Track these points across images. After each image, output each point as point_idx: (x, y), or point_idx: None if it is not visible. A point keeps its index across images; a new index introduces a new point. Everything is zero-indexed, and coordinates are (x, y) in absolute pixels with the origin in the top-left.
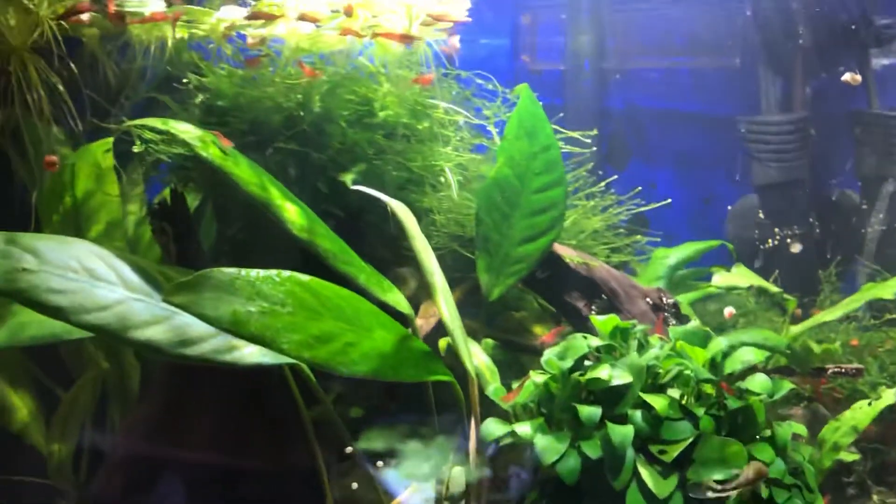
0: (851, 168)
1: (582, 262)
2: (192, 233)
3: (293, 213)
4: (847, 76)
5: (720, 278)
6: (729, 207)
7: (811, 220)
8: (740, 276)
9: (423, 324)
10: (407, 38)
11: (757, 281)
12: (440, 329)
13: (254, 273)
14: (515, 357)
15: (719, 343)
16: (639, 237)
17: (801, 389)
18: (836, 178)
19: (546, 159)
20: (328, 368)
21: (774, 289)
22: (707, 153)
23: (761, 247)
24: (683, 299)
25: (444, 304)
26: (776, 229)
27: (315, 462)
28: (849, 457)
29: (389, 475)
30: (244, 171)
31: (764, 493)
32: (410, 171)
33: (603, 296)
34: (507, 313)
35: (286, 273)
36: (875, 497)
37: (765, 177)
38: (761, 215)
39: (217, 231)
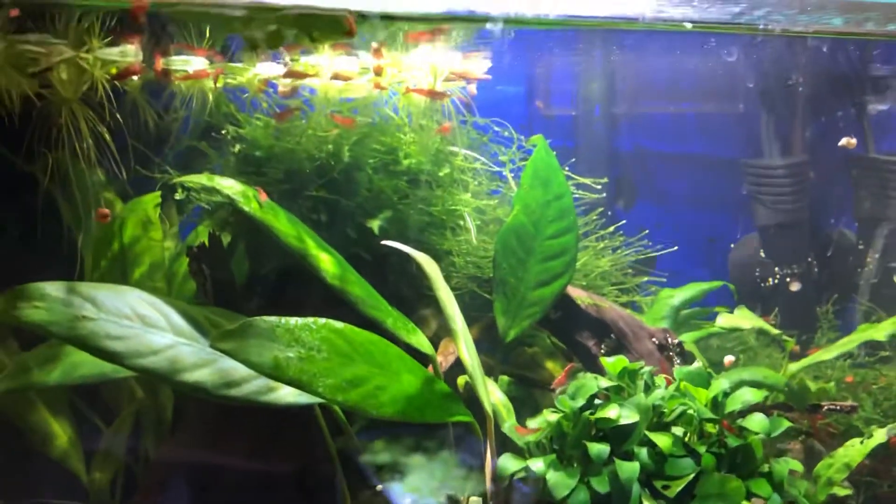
0: (851, 210)
1: (592, 303)
2: (228, 274)
3: (327, 262)
4: (843, 141)
5: (724, 320)
6: (732, 246)
7: (810, 259)
8: (743, 318)
9: (442, 360)
10: (436, 95)
11: (758, 323)
12: (458, 364)
13: (293, 321)
14: (529, 392)
15: (721, 384)
16: (645, 277)
17: (798, 425)
18: (834, 219)
19: (559, 207)
20: (359, 410)
21: (774, 331)
22: (711, 194)
23: (762, 285)
24: (688, 338)
25: (465, 348)
26: (776, 268)
27: (338, 492)
28: (842, 491)
29: None
30: (283, 224)
31: None
32: (431, 215)
33: (612, 335)
34: (520, 349)
35: (322, 320)
36: None
37: (766, 218)
38: (762, 255)
39: (249, 270)
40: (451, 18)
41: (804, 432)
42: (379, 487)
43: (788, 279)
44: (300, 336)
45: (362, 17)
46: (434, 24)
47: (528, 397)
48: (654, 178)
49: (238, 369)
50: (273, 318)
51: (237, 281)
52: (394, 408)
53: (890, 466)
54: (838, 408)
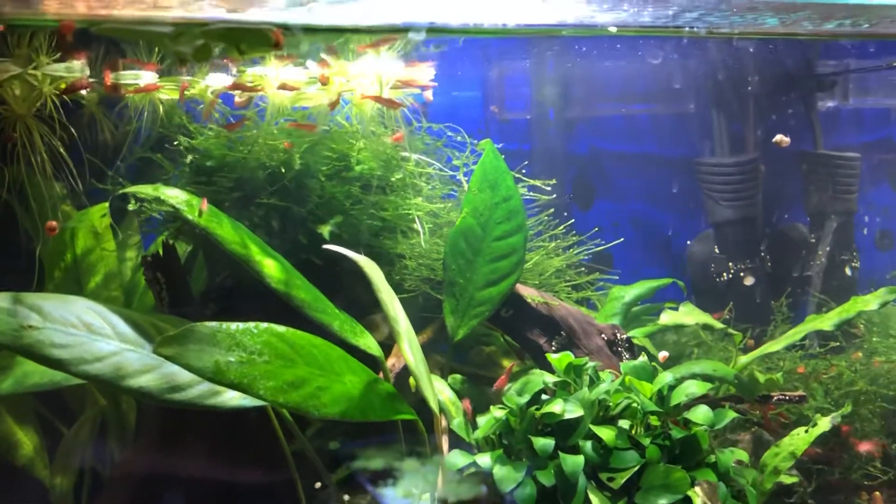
0: (802, 205)
1: (543, 301)
2: (182, 281)
3: (272, 267)
4: (777, 137)
5: (668, 317)
6: (688, 242)
7: (763, 254)
8: (687, 315)
9: (395, 362)
10: (391, 104)
11: (703, 318)
12: None
13: (234, 326)
14: (482, 390)
15: (664, 377)
16: (598, 275)
17: (751, 415)
18: (786, 214)
19: (507, 209)
20: (301, 411)
21: (719, 325)
22: (665, 193)
23: (717, 280)
24: (639, 333)
25: (409, 348)
26: (730, 264)
27: (295, 493)
28: (788, 479)
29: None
30: (226, 231)
31: None
32: (384, 220)
33: (562, 332)
34: (477, 348)
35: (263, 325)
36: None
37: (718, 215)
38: (717, 251)
39: (206, 278)
40: (376, 30)
41: (754, 423)
42: (318, 485)
43: (742, 274)
44: (241, 340)
45: (287, 29)
46: (359, 34)
47: (481, 394)
48: (610, 178)
49: (182, 374)
50: (214, 324)
51: (194, 289)
52: (336, 408)
53: (841, 454)
54: (787, 398)
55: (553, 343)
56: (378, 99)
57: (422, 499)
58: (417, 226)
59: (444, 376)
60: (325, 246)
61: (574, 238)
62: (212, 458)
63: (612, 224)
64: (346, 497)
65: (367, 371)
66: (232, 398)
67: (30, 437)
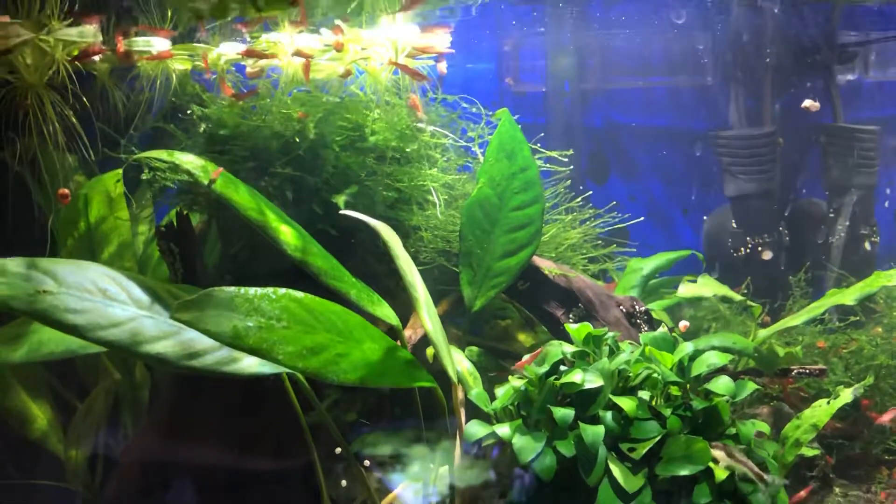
0: (821, 179)
1: (560, 273)
2: (196, 252)
3: (288, 234)
4: (807, 102)
5: (686, 289)
6: (704, 217)
7: (781, 228)
8: (705, 287)
9: (411, 334)
10: (416, 74)
11: (721, 290)
12: (427, 338)
13: (252, 291)
14: (499, 363)
15: (685, 347)
16: (615, 248)
17: (770, 390)
18: (804, 188)
19: (524, 179)
20: (320, 377)
21: (738, 297)
22: (683, 166)
23: (734, 254)
24: (657, 306)
25: (427, 316)
26: (748, 238)
27: (312, 463)
28: (809, 452)
29: (381, 474)
30: (243, 197)
31: (729, 485)
32: (399, 191)
33: (579, 305)
34: (493, 321)
35: (282, 290)
36: (837, 490)
37: (736, 188)
38: (734, 225)
39: (220, 250)
40: None
41: (773, 396)
42: (338, 450)
43: (760, 248)
44: (259, 305)
45: None
46: None
47: (498, 367)
48: (627, 152)
49: (200, 340)
50: (232, 289)
51: (208, 262)
52: (355, 374)
53: (861, 428)
54: (807, 371)
55: (571, 315)
56: (403, 67)
57: (440, 470)
58: (433, 197)
59: (461, 348)
60: (342, 211)
61: (590, 211)
62: (227, 431)
63: (628, 198)
64: (367, 462)
65: (385, 338)
66: (250, 365)
67: (43, 410)
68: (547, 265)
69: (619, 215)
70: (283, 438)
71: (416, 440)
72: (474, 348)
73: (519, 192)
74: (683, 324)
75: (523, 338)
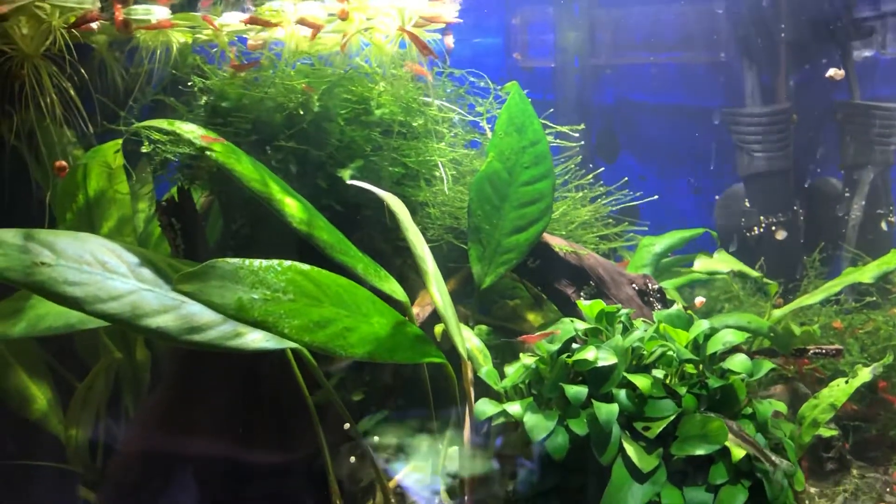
0: (837, 157)
1: (571, 250)
2: (198, 228)
3: (293, 207)
4: (831, 71)
5: (701, 263)
6: (717, 197)
7: (795, 207)
8: (721, 262)
9: (419, 311)
10: (426, 49)
11: (737, 266)
12: (436, 316)
13: (257, 263)
14: (509, 343)
15: (701, 325)
16: (626, 226)
17: (784, 370)
18: (819, 166)
19: (534, 153)
20: (327, 351)
21: (754, 273)
22: (695, 144)
23: (747, 234)
24: (669, 285)
25: (437, 290)
26: (761, 217)
27: (318, 442)
28: (827, 432)
29: (389, 455)
30: (246, 168)
31: (746, 466)
32: (406, 166)
33: (591, 283)
34: (502, 301)
35: (287, 262)
36: (854, 471)
37: (750, 167)
38: (747, 204)
39: (222, 226)
40: None
41: (789, 377)
42: (346, 426)
43: (774, 228)
44: (265, 278)
45: None
46: None
47: (507, 346)
48: (637, 129)
49: (203, 314)
50: (237, 260)
51: (210, 239)
52: (363, 349)
53: (878, 410)
54: (824, 352)
55: (582, 293)
56: (412, 36)
57: (449, 450)
58: (440, 172)
59: (470, 326)
60: (350, 181)
61: (601, 189)
62: (230, 410)
63: (638, 177)
64: (376, 438)
65: (394, 313)
66: (254, 340)
67: (43, 390)
68: (558, 242)
69: (630, 193)
70: (289, 418)
71: (426, 419)
72: (483, 327)
73: (529, 167)
74: (699, 300)
75: (532, 317)
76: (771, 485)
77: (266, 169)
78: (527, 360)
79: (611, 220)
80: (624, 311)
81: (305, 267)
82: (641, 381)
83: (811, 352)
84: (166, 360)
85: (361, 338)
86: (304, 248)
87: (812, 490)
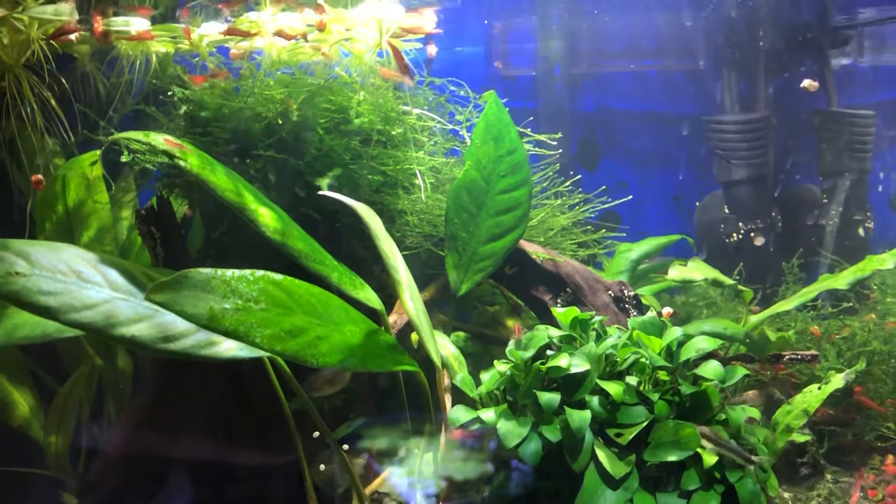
0: (814, 164)
1: (548, 258)
2: (177, 236)
3: (267, 216)
4: (805, 83)
5: (676, 272)
6: (697, 204)
7: (774, 214)
8: (695, 270)
9: (396, 319)
10: (405, 68)
11: (712, 274)
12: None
13: (229, 273)
14: (487, 349)
15: (674, 332)
16: (604, 232)
17: (760, 376)
18: (798, 174)
19: (511, 162)
20: (299, 360)
21: (729, 280)
22: (675, 152)
23: (726, 240)
24: (646, 291)
25: (409, 298)
26: (740, 223)
27: (295, 449)
28: (800, 438)
29: (366, 461)
30: (220, 179)
31: (718, 471)
32: (385, 175)
33: (567, 289)
34: (482, 308)
35: (259, 272)
36: (829, 476)
37: (728, 173)
38: (726, 210)
39: (203, 234)
40: None
41: (765, 382)
42: (316, 434)
43: (753, 234)
44: (237, 287)
45: None
46: None
47: (486, 353)
48: (618, 137)
49: (177, 323)
50: (209, 270)
51: (191, 248)
52: (335, 357)
53: (854, 415)
54: (799, 357)
55: (558, 300)
56: (392, 49)
57: (425, 457)
58: (419, 181)
59: (447, 333)
60: (322, 192)
61: (580, 196)
62: (211, 417)
63: (619, 184)
64: (346, 446)
65: (367, 321)
66: (228, 349)
67: (25, 397)
68: (535, 249)
69: (610, 201)
70: (267, 425)
71: (403, 426)
72: (461, 333)
73: (506, 175)
74: (667, 310)
75: (511, 324)
76: (746, 488)
77: (241, 179)
78: (501, 366)
79: (590, 227)
80: (598, 318)
81: (278, 277)
82: (614, 388)
83: (786, 357)
84: (148, 367)
85: (333, 347)
86: (285, 257)
87: (786, 495)
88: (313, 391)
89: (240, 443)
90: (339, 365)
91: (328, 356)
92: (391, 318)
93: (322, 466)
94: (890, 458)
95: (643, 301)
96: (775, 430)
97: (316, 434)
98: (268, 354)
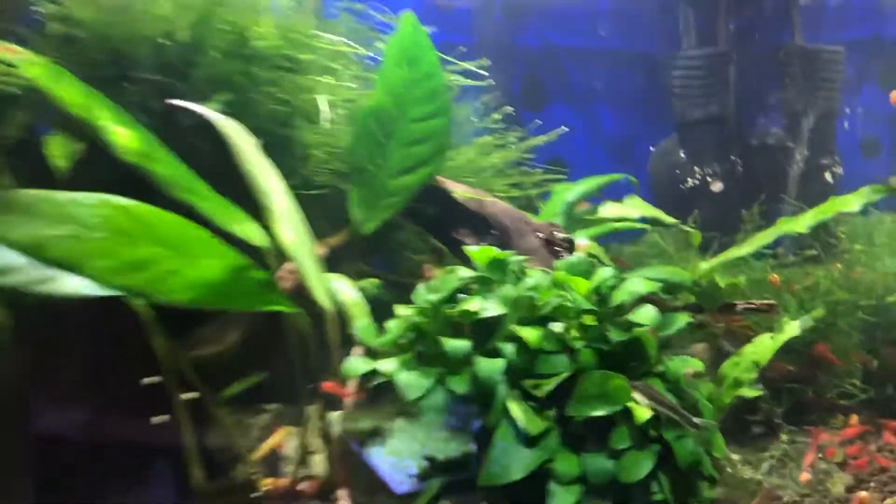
0: (778, 104)
1: (473, 197)
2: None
3: (124, 136)
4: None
5: (609, 209)
6: (651, 148)
7: (733, 158)
8: (631, 207)
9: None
10: None
11: (651, 212)
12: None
13: (63, 195)
14: (404, 297)
15: (604, 273)
16: (544, 175)
17: (715, 329)
18: (762, 115)
19: (428, 88)
20: (146, 296)
21: (670, 219)
22: (628, 92)
23: (681, 186)
24: (585, 234)
25: (287, 228)
26: (696, 168)
27: (172, 405)
28: (751, 393)
29: (256, 420)
30: (68, 92)
31: (654, 429)
32: (289, 104)
33: (493, 231)
34: (404, 255)
35: (104, 196)
36: (784, 436)
37: (684, 114)
38: (682, 154)
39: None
40: None
41: (717, 335)
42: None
43: (710, 179)
44: (72, 212)
45: None
46: None
47: (403, 301)
48: (565, 75)
49: (9, 255)
50: (39, 191)
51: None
52: (189, 294)
53: (815, 371)
54: (755, 306)
55: (483, 244)
56: None
57: (311, 412)
58: (324, 108)
59: (356, 279)
60: (169, 101)
61: (515, 136)
62: (85, 369)
63: (566, 126)
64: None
65: (233, 256)
66: (71, 285)
67: None
68: (460, 189)
69: (556, 143)
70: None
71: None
72: (374, 280)
73: (421, 103)
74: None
75: (437, 273)
76: (685, 448)
77: (98, 95)
78: (404, 311)
79: (529, 169)
80: (517, 258)
81: (122, 200)
82: (530, 334)
83: (740, 307)
84: (23, 319)
85: (188, 282)
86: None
87: (735, 456)
88: (193, 349)
89: (116, 401)
90: (192, 302)
91: (180, 292)
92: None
93: (216, 427)
94: (854, 417)
95: (589, 251)
96: (722, 385)
97: (193, 395)
98: (116, 292)
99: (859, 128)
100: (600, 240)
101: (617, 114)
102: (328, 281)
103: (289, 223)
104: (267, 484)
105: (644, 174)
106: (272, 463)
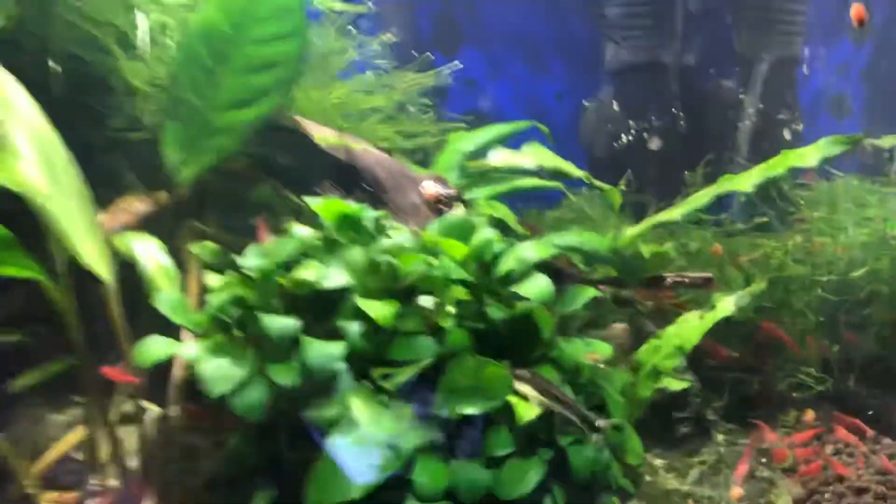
0: (728, 49)
1: (338, 143)
2: None
3: None
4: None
5: (499, 156)
6: (584, 102)
7: (675, 111)
8: (529, 154)
9: (105, 220)
10: None
11: (552, 161)
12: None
13: None
14: None
15: (485, 235)
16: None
17: (641, 307)
18: (709, 63)
19: (277, 4)
20: None
21: (577, 171)
22: (533, 38)
23: (614, 144)
24: (482, 194)
25: (31, 166)
26: (631, 122)
27: None
28: (675, 384)
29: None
30: None
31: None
32: (112, 25)
33: (364, 185)
34: (262, 215)
35: None
36: (720, 437)
37: (619, 60)
38: (615, 107)
39: None
40: None
41: (644, 314)
42: None
43: (647, 135)
44: None
45: None
46: None
47: None
48: (483, 15)
49: None
50: None
51: None
52: None
53: (764, 359)
54: (687, 280)
55: (351, 199)
56: None
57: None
58: (145, 32)
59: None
60: None
61: (413, 75)
62: None
63: (486, 75)
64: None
65: None
66: None
67: None
68: (324, 134)
69: (475, 94)
70: None
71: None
72: (210, 244)
73: (266, 20)
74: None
75: None
76: (582, 455)
77: None
78: (215, 280)
79: (424, 117)
80: (373, 213)
81: None
82: (379, 310)
83: (669, 280)
84: None
85: None
86: None
87: (657, 462)
88: None
89: None
90: None
91: None
92: (101, 218)
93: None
94: (809, 412)
95: (491, 213)
96: (639, 374)
97: None
98: None
99: (825, 82)
100: (514, 203)
101: (542, 60)
102: (126, 243)
103: (35, 151)
104: (49, 500)
105: (573, 132)
106: (53, 477)
